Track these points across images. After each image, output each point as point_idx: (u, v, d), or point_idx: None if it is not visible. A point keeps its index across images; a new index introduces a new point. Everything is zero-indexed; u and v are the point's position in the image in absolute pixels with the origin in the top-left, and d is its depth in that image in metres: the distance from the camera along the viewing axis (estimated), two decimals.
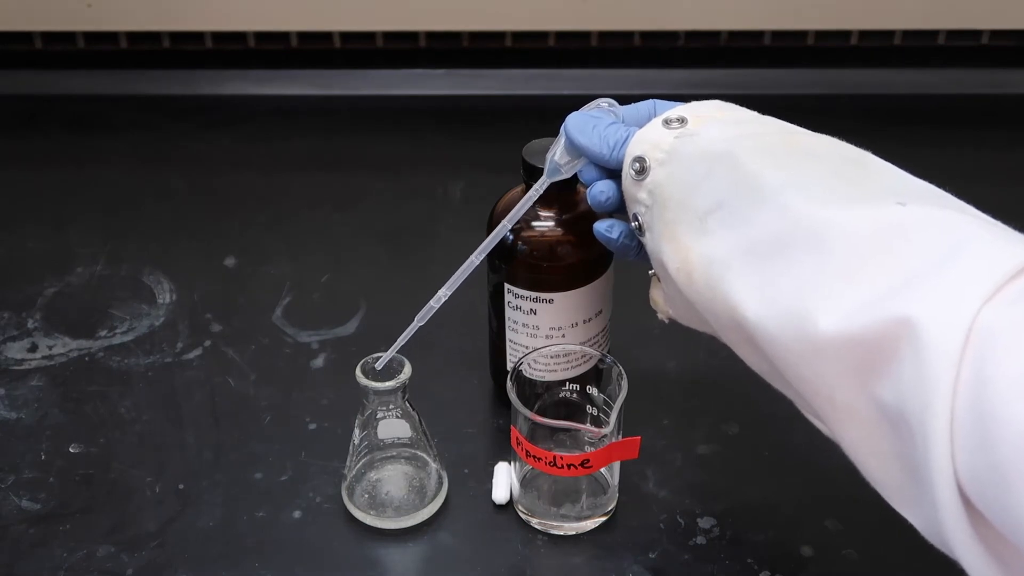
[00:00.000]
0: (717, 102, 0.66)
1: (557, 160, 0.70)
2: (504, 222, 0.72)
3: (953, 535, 0.49)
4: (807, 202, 0.56)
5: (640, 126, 0.67)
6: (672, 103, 0.68)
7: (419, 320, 0.72)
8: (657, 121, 0.64)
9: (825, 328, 0.53)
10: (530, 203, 0.71)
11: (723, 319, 0.60)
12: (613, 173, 0.67)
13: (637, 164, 0.64)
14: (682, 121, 0.64)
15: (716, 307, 0.60)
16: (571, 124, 0.68)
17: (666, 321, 0.70)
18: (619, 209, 0.68)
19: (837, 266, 0.54)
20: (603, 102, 0.70)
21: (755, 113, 0.66)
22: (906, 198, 0.55)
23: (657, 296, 0.69)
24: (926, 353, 0.49)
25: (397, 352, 0.73)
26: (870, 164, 0.60)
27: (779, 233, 0.56)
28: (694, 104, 0.66)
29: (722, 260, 0.59)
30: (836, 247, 0.54)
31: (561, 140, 0.70)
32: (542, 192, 0.71)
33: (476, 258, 0.72)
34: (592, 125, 0.67)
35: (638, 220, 0.65)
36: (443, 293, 0.72)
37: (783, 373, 0.57)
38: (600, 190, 0.68)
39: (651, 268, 0.68)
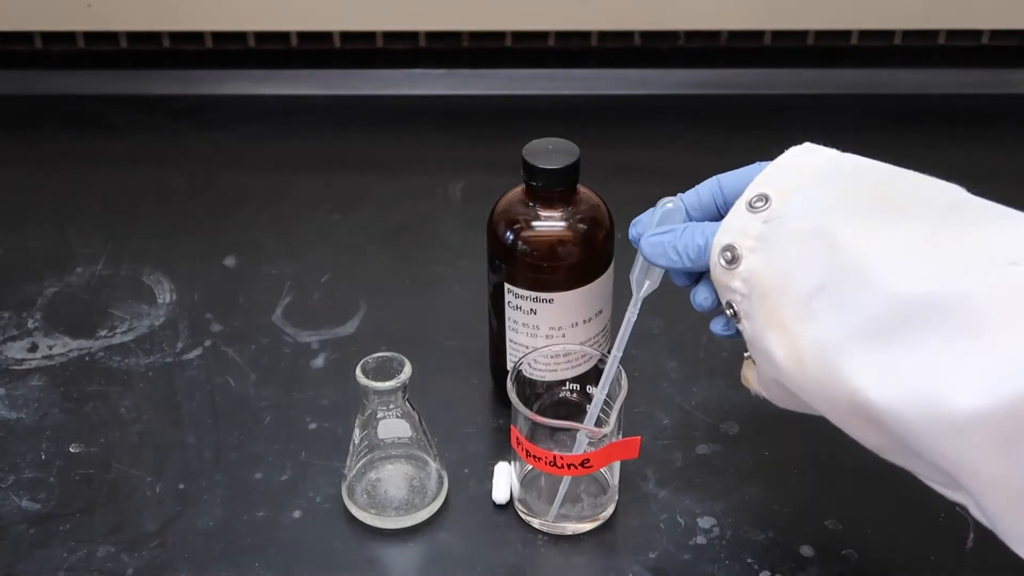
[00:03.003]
0: (791, 158, 0.63)
1: (639, 277, 0.69)
2: (615, 351, 0.71)
3: None
4: (914, 277, 0.54)
5: (708, 213, 0.65)
6: (735, 175, 0.65)
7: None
8: (741, 206, 0.62)
9: (964, 407, 0.52)
10: (630, 327, 0.70)
11: (841, 404, 0.58)
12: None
13: (728, 253, 0.62)
14: (765, 199, 0.61)
15: (833, 393, 0.58)
16: (648, 252, 0.66)
17: (760, 396, 0.68)
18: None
19: (962, 339, 0.52)
20: (667, 203, 0.67)
21: (834, 154, 0.63)
22: (1016, 252, 0.53)
23: (750, 375, 0.67)
24: None
25: (398, 354, 0.73)
26: (967, 209, 0.58)
27: (893, 313, 0.55)
28: (769, 173, 0.63)
29: (836, 344, 0.57)
30: (957, 320, 0.53)
31: (639, 260, 0.68)
32: (636, 306, 0.70)
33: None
34: (669, 243, 0.65)
35: (733, 307, 0.63)
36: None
37: (918, 452, 0.56)
38: (704, 297, 0.66)
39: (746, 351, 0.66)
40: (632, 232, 0.68)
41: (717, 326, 0.67)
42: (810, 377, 0.59)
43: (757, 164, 0.65)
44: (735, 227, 0.62)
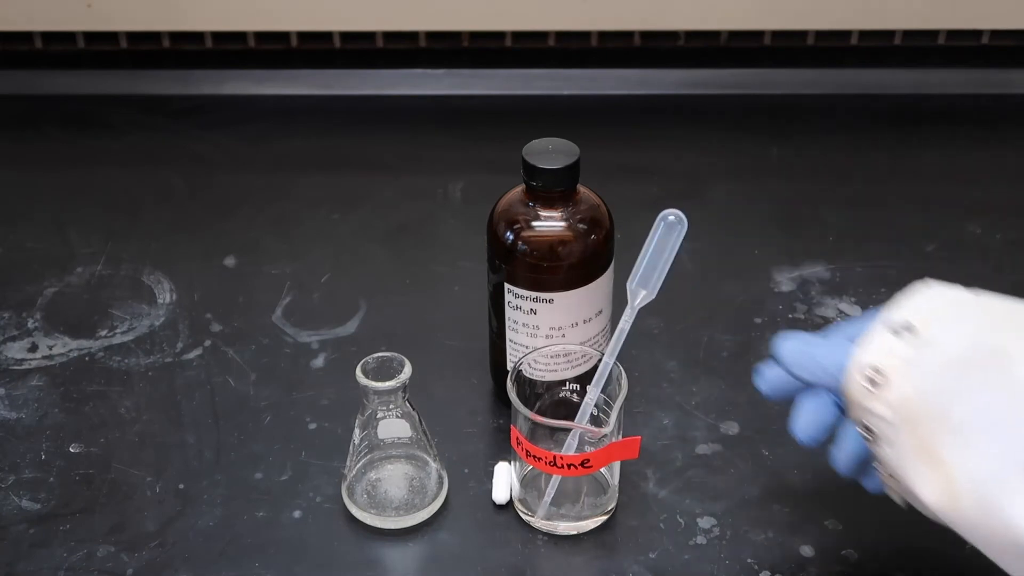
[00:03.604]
0: (918, 291, 0.61)
1: (636, 288, 0.69)
2: (606, 358, 0.71)
3: None
4: None
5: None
6: (866, 318, 0.63)
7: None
8: (880, 329, 0.60)
9: None
10: (624, 335, 0.71)
11: (1002, 542, 0.55)
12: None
13: (872, 372, 0.59)
14: (910, 328, 0.59)
15: (994, 530, 0.55)
16: (789, 362, 0.64)
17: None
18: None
19: None
20: (668, 215, 0.68)
21: (957, 287, 0.61)
22: None
23: (893, 494, 0.65)
24: None
25: (398, 354, 0.73)
26: None
27: None
28: (902, 304, 0.60)
29: (996, 477, 0.54)
30: None
31: (639, 267, 0.68)
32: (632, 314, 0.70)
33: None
34: (819, 356, 0.63)
35: (871, 431, 0.60)
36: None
37: None
38: (847, 454, 0.64)
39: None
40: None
41: (871, 484, 0.65)
42: (965, 513, 0.56)
43: (844, 339, 0.62)
44: (881, 348, 0.59)
